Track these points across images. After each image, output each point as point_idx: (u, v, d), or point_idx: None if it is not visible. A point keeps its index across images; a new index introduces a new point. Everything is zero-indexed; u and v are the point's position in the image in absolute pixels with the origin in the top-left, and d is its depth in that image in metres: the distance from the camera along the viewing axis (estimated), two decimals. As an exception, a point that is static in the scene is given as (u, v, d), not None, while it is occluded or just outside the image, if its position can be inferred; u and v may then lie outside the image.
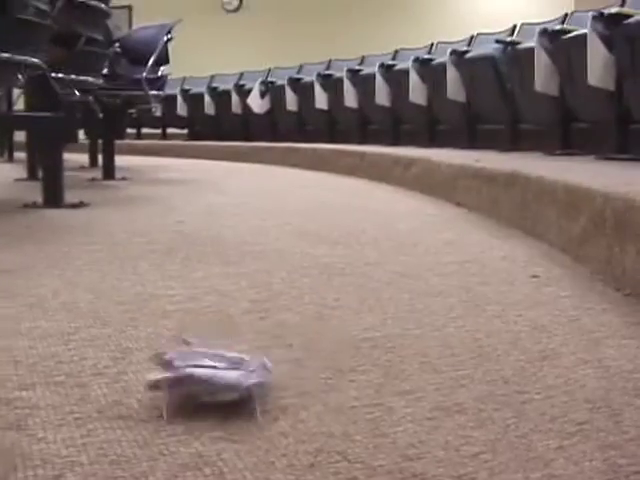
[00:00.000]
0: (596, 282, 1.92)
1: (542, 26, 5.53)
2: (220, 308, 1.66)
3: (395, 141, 7.04)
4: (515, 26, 6.90)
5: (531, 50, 5.17)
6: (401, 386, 1.21)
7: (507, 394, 1.18)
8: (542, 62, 5.07)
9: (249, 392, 1.10)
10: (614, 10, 4.72)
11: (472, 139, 6.11)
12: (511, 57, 5.63)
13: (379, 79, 7.06)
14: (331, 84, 7.95)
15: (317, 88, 8.04)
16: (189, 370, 1.11)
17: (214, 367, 1.13)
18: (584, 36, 4.66)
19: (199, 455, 0.96)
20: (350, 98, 7.53)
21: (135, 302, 1.70)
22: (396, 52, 8.17)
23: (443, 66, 6.14)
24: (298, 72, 9.27)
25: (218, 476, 0.91)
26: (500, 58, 5.76)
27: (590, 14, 4.80)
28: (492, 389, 1.20)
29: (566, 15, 6.61)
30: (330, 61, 9.19)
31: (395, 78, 6.91)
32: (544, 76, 5.04)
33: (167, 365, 1.13)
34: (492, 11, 11.32)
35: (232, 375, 1.12)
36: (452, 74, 6.05)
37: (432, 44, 7.77)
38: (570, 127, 5.12)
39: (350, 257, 2.25)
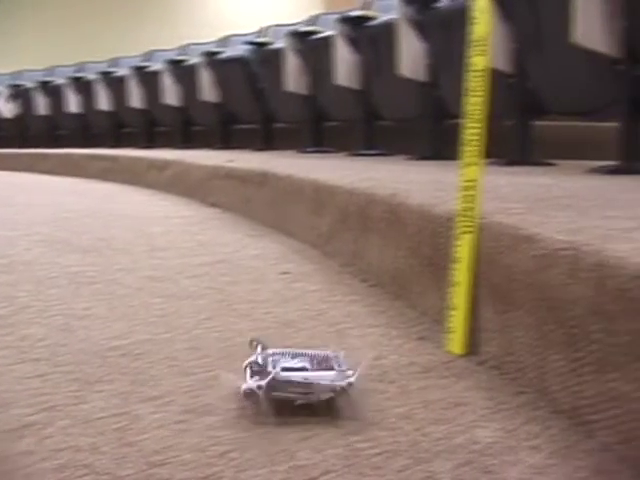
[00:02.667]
0: (344, 275, 1.99)
1: (291, 27, 5.67)
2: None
3: (150, 143, 6.98)
4: (265, 27, 7.02)
5: (281, 51, 5.29)
6: (149, 392, 1.20)
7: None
8: (292, 62, 5.20)
9: (345, 391, 1.08)
10: (358, 13, 4.91)
11: (227, 139, 6.17)
12: (262, 58, 5.73)
13: (132, 81, 6.97)
14: (82, 87, 7.76)
15: (68, 92, 7.83)
16: (285, 374, 1.09)
17: (305, 369, 1.12)
18: (331, 37, 4.82)
19: None
20: (103, 101, 7.38)
21: None
22: (148, 54, 8.10)
23: (196, 67, 6.15)
24: (49, 75, 8.97)
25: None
26: (251, 59, 5.85)
27: (336, 16, 4.98)
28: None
29: (314, 17, 6.80)
30: (82, 63, 8.97)
31: (148, 80, 6.84)
32: (294, 76, 5.16)
33: (260, 371, 1.11)
34: (243, 12, 11.46)
35: (327, 376, 1.10)
36: (204, 75, 6.07)
37: (184, 45, 7.76)
38: (321, 125, 5.27)
39: (100, 264, 2.20)
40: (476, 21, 1.32)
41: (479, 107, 1.27)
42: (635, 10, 2.76)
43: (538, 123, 3.60)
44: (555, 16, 2.98)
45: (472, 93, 1.29)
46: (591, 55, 2.82)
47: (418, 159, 3.85)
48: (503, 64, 3.37)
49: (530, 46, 3.32)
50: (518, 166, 3.19)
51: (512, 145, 3.42)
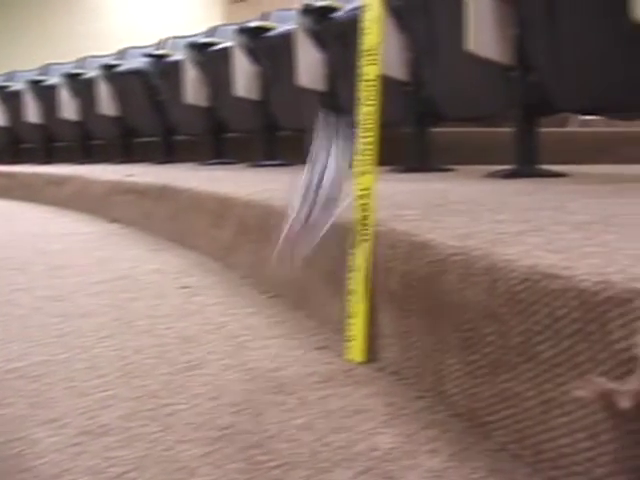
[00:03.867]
0: (245, 287, 1.98)
1: (190, 39, 5.64)
2: None
3: (49, 159, 6.84)
4: (164, 39, 6.97)
5: (180, 62, 5.25)
6: (46, 415, 1.17)
7: (154, 408, 1.18)
8: (191, 74, 5.17)
9: None
10: (256, 24, 4.91)
11: (128, 153, 6.09)
12: (161, 70, 5.68)
13: (28, 95, 6.82)
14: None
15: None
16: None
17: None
18: (230, 48, 4.81)
19: None
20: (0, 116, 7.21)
21: None
22: (45, 68, 7.94)
23: (94, 80, 6.06)
24: None
25: None
26: (150, 71, 5.79)
27: (234, 27, 4.97)
28: (139, 405, 1.19)
29: (213, 28, 6.78)
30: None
31: (45, 94, 6.71)
32: (193, 88, 5.13)
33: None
34: (142, 24, 11.35)
35: None
36: (103, 88, 5.98)
37: (82, 58, 7.64)
38: (222, 137, 5.26)
39: (-4, 285, 2.14)
40: (367, 31, 1.34)
41: (371, 116, 1.28)
42: (526, 18, 2.83)
43: (436, 130, 3.66)
44: (449, 25, 3.04)
45: (364, 102, 1.30)
46: (484, 63, 2.89)
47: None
48: (400, 73, 3.42)
49: (426, 55, 3.37)
50: (417, 173, 3.23)
51: (411, 152, 3.47)
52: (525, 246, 0.95)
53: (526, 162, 2.86)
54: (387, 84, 3.49)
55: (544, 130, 3.05)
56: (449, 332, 1.02)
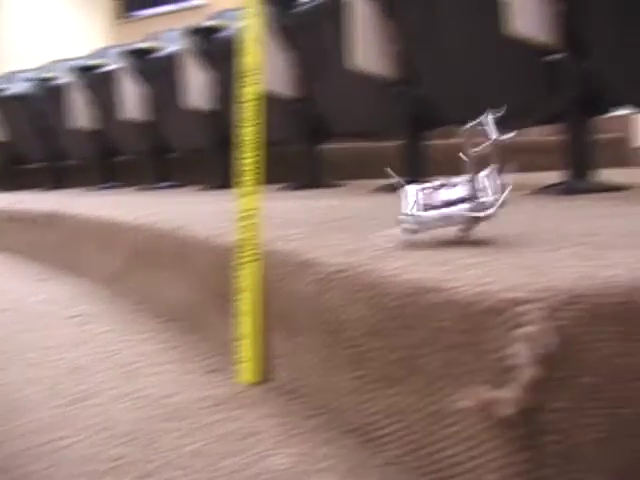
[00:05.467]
0: (138, 313, 1.94)
1: (77, 61, 5.55)
2: None
3: None
4: (50, 62, 6.84)
5: (67, 86, 5.16)
6: None
7: (45, 444, 1.15)
8: (78, 97, 5.08)
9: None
10: (143, 45, 4.88)
11: (15, 180, 5.94)
12: (47, 94, 5.57)
13: None
14: None
15: None
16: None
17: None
18: (117, 70, 4.75)
19: None
20: None
21: None
22: None
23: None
24: None
25: None
26: (36, 95, 5.68)
27: (121, 49, 4.92)
28: (28, 442, 1.16)
29: (100, 50, 6.69)
30: None
31: None
32: (81, 111, 5.05)
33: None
34: (28, 47, 11.10)
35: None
36: (-13, 114, 5.84)
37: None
38: (112, 160, 5.18)
39: None
40: (247, 51, 1.34)
41: (254, 136, 1.28)
42: (409, 34, 2.89)
43: (327, 146, 3.69)
44: (337, 42, 3.07)
45: (246, 123, 1.30)
46: (371, 78, 2.93)
47: (210, 189, 3.85)
48: (289, 90, 3.43)
49: (314, 72, 3.40)
50: (308, 189, 3.25)
51: (301, 169, 3.49)
52: (408, 260, 0.97)
53: (414, 175, 2.91)
54: (276, 102, 3.50)
55: (432, 143, 3.11)
56: (337, 349, 1.03)
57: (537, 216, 1.61)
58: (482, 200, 1.09)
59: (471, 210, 1.09)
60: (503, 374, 0.73)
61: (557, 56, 2.40)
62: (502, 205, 1.09)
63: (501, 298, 0.73)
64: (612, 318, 0.74)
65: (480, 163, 1.12)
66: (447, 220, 1.11)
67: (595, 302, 0.73)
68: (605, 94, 2.35)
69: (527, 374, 0.70)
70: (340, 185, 3.42)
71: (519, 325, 0.71)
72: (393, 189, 2.86)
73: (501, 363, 0.73)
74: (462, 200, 1.11)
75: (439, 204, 1.12)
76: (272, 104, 3.47)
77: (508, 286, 0.75)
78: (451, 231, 1.14)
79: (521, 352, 0.70)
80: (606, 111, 2.56)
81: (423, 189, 1.16)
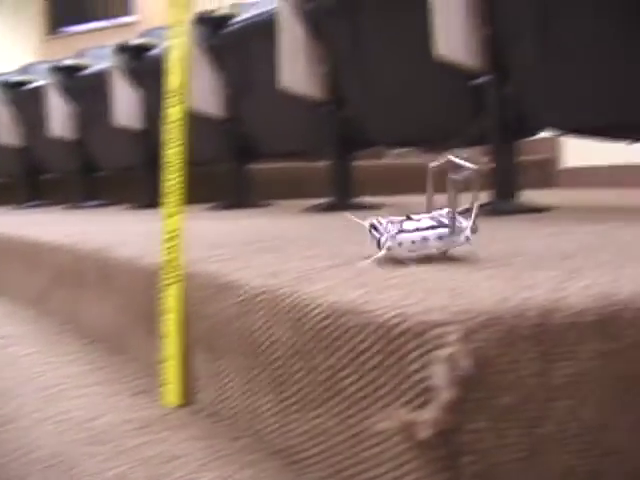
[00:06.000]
0: (63, 334, 1.92)
1: (3, 77, 5.46)
2: None
3: None
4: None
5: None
6: None
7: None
8: (3, 114, 5.00)
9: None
10: (71, 62, 4.82)
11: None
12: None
13: None
14: None
15: None
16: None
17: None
18: (44, 87, 4.69)
19: None
20: None
21: None
22: None
23: None
24: None
25: None
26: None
27: (49, 65, 4.86)
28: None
29: (27, 66, 6.60)
30: None
31: None
32: (6, 128, 4.97)
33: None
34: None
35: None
36: None
37: None
38: (38, 178, 5.11)
39: None
40: (171, 71, 1.33)
41: (178, 157, 1.28)
42: (337, 54, 2.92)
43: (256, 166, 3.69)
44: (265, 62, 3.08)
45: (170, 143, 1.29)
46: (299, 98, 2.94)
47: (138, 208, 3.82)
48: (217, 110, 3.43)
49: (243, 92, 3.40)
50: (237, 209, 3.25)
51: (230, 189, 3.49)
52: (330, 282, 0.97)
53: (342, 195, 2.93)
54: (205, 121, 3.50)
55: (361, 163, 3.13)
56: (260, 371, 1.03)
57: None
58: (458, 224, 1.13)
59: (450, 233, 1.12)
60: (422, 396, 0.74)
61: (483, 80, 2.44)
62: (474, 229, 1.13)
63: (419, 320, 0.74)
64: (528, 339, 0.75)
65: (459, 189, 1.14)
66: (425, 243, 1.13)
67: (511, 324, 0.75)
68: (528, 118, 2.40)
69: (444, 396, 0.70)
70: (269, 205, 3.43)
71: (436, 347, 0.72)
72: (321, 209, 2.87)
73: (420, 385, 0.74)
74: (434, 227, 1.14)
75: (412, 230, 1.14)
76: (201, 124, 3.47)
77: (426, 308, 0.76)
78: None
79: (438, 374, 0.71)
80: (531, 134, 2.61)
81: (390, 221, 1.18)
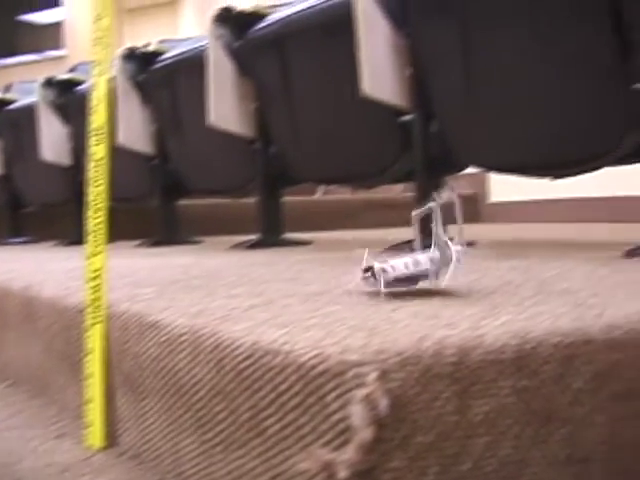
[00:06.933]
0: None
1: None
2: None
3: None
4: None
5: None
6: None
7: None
8: None
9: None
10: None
11: None
12: None
13: None
14: None
15: None
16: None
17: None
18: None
19: None
20: None
21: None
22: None
23: None
24: None
25: None
26: None
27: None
28: None
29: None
30: None
31: None
32: None
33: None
34: None
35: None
36: None
37: None
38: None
39: None
40: (95, 110, 1.33)
41: (101, 196, 1.27)
42: (265, 92, 2.93)
43: (186, 202, 3.68)
44: (194, 98, 3.08)
45: (94, 182, 1.28)
46: (228, 135, 2.95)
47: (66, 245, 3.77)
48: (146, 146, 3.42)
49: (170, 128, 3.40)
50: (165, 246, 3.23)
51: (159, 225, 3.47)
52: (252, 322, 0.97)
53: (271, 232, 2.93)
54: (133, 158, 3.48)
55: (291, 199, 3.15)
56: (184, 412, 1.02)
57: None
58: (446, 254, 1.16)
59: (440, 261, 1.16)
60: (342, 436, 0.74)
61: (409, 117, 2.48)
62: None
63: (337, 361, 0.74)
64: (445, 378, 0.76)
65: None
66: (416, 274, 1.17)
67: (428, 363, 0.76)
68: (453, 155, 2.45)
69: (362, 436, 0.71)
70: (198, 242, 3.41)
71: (354, 387, 0.72)
72: (250, 246, 2.86)
73: (340, 425, 0.74)
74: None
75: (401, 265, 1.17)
76: (130, 160, 3.45)
77: (344, 348, 0.77)
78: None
79: (356, 414, 0.71)
80: (457, 170, 2.66)
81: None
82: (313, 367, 0.77)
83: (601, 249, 2.15)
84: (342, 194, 5.02)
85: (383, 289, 1.13)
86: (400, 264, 1.16)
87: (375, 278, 1.15)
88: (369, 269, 1.16)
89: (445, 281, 1.16)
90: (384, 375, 0.72)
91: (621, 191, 4.31)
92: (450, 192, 1.19)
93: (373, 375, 0.72)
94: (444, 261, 1.16)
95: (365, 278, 1.17)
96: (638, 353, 0.92)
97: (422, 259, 1.17)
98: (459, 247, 1.16)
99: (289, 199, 3.18)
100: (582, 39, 2.06)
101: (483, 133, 2.34)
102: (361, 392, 0.71)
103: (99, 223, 1.26)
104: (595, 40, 2.03)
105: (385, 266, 1.15)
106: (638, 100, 1.98)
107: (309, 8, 2.71)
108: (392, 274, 1.15)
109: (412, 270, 1.17)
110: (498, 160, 2.39)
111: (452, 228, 1.21)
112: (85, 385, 1.27)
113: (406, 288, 1.19)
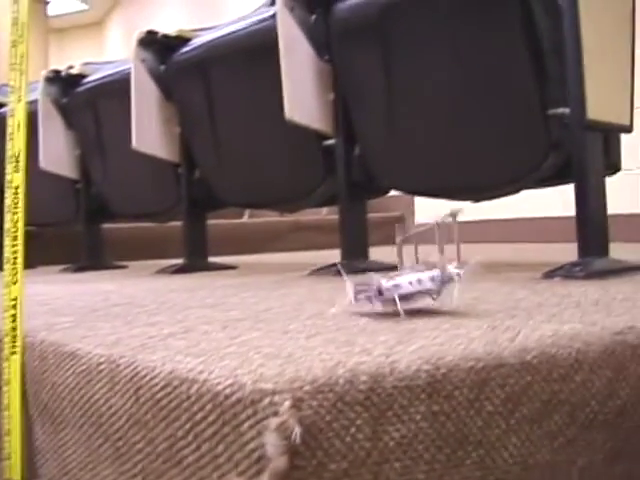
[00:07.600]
0: None
1: None
2: None
3: None
4: None
5: None
6: None
7: None
8: None
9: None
10: None
11: None
12: None
13: None
14: None
15: None
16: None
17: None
18: None
19: None
20: None
21: None
22: None
23: None
24: None
25: None
26: None
27: None
28: None
29: None
30: None
31: None
32: None
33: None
34: None
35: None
36: None
37: None
38: None
39: None
40: (11, 137, 1.32)
41: (17, 224, 1.26)
42: (189, 117, 2.93)
43: (110, 226, 3.64)
44: (118, 122, 3.07)
45: (10, 210, 1.27)
46: (152, 160, 2.94)
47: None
48: (69, 170, 3.38)
49: (94, 152, 3.37)
50: (89, 271, 3.19)
51: (83, 250, 3.43)
52: (170, 350, 0.97)
53: (196, 256, 2.92)
54: (56, 182, 3.43)
55: (218, 222, 3.14)
56: (102, 442, 1.01)
57: (307, 298, 1.65)
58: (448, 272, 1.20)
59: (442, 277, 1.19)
60: (256, 464, 0.75)
61: (332, 141, 2.51)
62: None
63: (251, 389, 0.75)
64: (358, 404, 0.77)
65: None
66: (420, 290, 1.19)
67: (342, 390, 0.77)
68: (375, 178, 2.48)
69: (275, 464, 0.72)
70: (122, 267, 3.38)
71: (268, 416, 0.73)
72: (175, 271, 2.85)
73: (254, 454, 0.75)
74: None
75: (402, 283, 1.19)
76: (53, 184, 3.41)
77: (259, 377, 0.77)
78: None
79: (270, 443, 0.72)
80: (381, 193, 2.68)
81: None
82: (228, 396, 0.77)
83: (523, 269, 2.20)
84: (269, 216, 5.03)
85: (400, 308, 1.15)
86: (405, 282, 1.18)
87: (377, 296, 1.16)
88: (366, 288, 1.17)
89: (454, 300, 1.20)
90: (297, 403, 0.73)
91: (550, 212, 4.40)
92: (449, 217, 1.22)
93: (287, 404, 0.73)
94: (444, 280, 1.19)
95: (360, 298, 1.18)
96: (550, 375, 0.94)
97: (424, 278, 1.19)
98: (458, 268, 1.19)
99: (215, 222, 3.18)
100: (501, 65, 2.11)
101: (404, 157, 2.37)
102: (275, 421, 0.72)
103: (16, 252, 1.24)
104: (514, 66, 2.08)
105: (393, 283, 1.17)
106: (555, 124, 2.04)
107: (233, 32, 2.72)
108: (399, 291, 1.17)
109: (417, 288, 1.19)
110: (419, 184, 2.43)
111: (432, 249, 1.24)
112: (2, 417, 1.25)
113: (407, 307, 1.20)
